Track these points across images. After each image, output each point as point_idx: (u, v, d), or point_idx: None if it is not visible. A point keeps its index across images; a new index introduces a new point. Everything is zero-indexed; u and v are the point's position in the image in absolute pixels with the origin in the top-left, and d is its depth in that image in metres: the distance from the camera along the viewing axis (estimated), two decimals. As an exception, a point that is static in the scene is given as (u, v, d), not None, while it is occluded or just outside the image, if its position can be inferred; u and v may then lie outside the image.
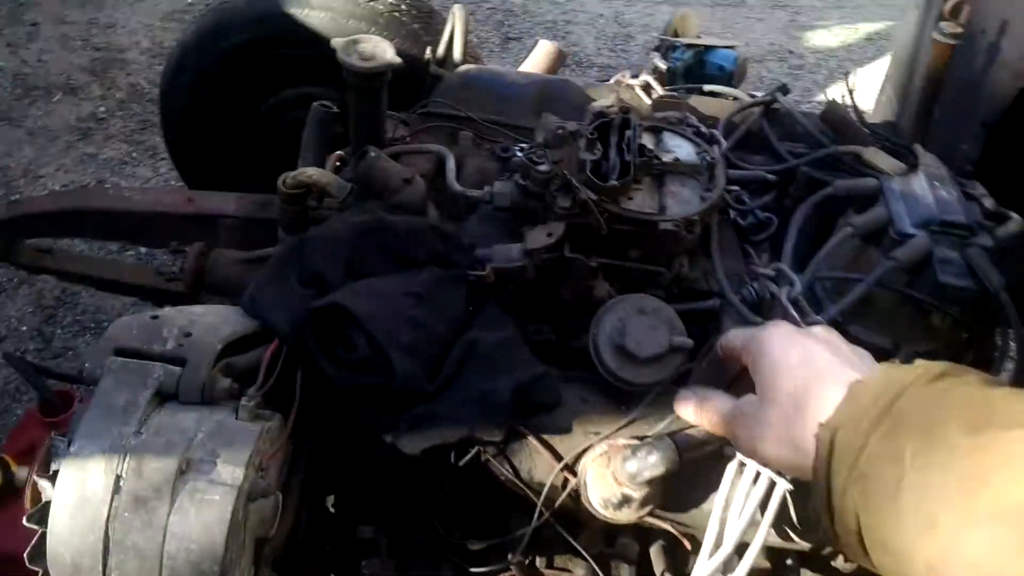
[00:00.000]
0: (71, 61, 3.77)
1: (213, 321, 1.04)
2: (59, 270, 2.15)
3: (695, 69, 3.74)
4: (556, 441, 1.07)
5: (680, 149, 1.29)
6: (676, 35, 3.84)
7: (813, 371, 0.76)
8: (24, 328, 2.68)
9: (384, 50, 1.35)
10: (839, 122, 1.43)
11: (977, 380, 0.68)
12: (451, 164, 1.38)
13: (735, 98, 1.69)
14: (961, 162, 1.47)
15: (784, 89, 1.56)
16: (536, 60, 1.99)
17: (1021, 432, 0.59)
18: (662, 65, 1.60)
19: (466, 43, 1.98)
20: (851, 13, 4.57)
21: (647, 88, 1.58)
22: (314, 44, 2.27)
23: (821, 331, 0.83)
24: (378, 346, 1.01)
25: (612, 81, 1.64)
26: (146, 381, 0.95)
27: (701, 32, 4.10)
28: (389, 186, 1.30)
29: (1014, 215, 1.25)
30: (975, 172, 1.46)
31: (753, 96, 1.64)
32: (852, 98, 1.61)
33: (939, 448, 0.62)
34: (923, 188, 1.22)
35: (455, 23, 1.94)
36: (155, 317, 1.03)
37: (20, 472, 1.78)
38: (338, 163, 1.58)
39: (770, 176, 1.33)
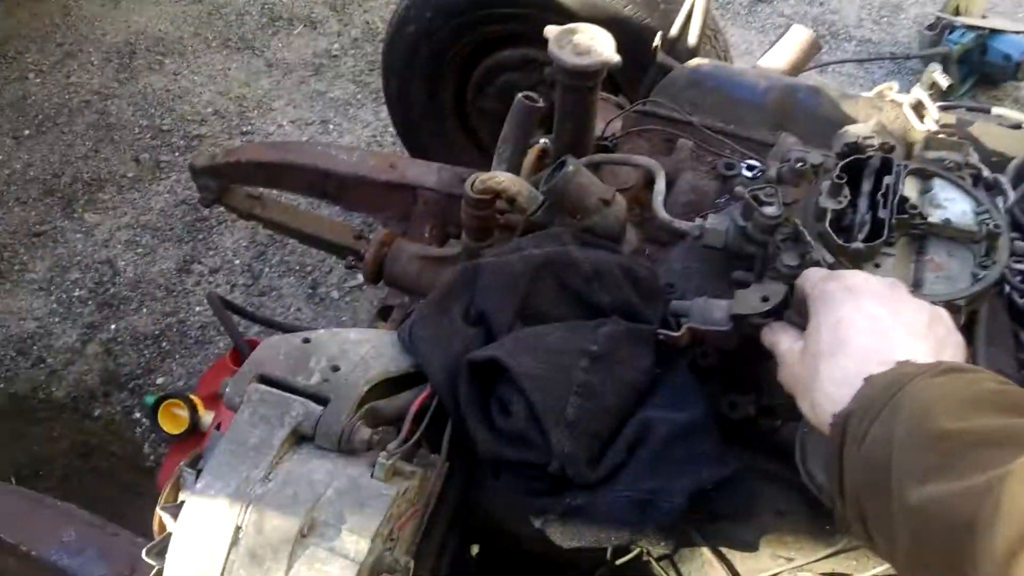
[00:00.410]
0: (315, -7, 3.85)
1: (365, 354, 0.94)
2: (265, 218, 2.20)
3: (974, 55, 3.23)
4: (737, 559, 0.89)
5: (953, 205, 1.02)
6: (957, 12, 3.31)
7: (841, 346, 0.77)
8: (237, 262, 2.79)
9: (602, 45, 1.17)
10: None
11: (983, 378, 0.69)
12: (660, 185, 1.18)
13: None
14: None
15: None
16: (785, 48, 1.72)
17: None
18: (942, 81, 1.29)
19: (705, 25, 1.75)
20: None
21: (918, 108, 1.29)
22: (540, 4, 2.13)
23: (883, 290, 0.80)
24: (536, 417, 0.86)
25: (874, 93, 1.35)
26: (283, 419, 0.87)
27: (988, 11, 3.53)
28: (584, 206, 1.13)
29: None
30: None
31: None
32: None
33: (922, 431, 0.64)
34: None
35: (695, 2, 1.71)
36: (307, 341, 0.95)
37: (206, 416, 1.83)
38: (540, 155, 1.44)
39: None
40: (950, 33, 3.21)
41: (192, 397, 1.84)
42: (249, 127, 3.26)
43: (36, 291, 2.69)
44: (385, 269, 1.39)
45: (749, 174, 1.31)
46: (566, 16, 2.12)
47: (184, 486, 0.86)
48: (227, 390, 0.89)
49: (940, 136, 1.10)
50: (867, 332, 0.77)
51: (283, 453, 0.86)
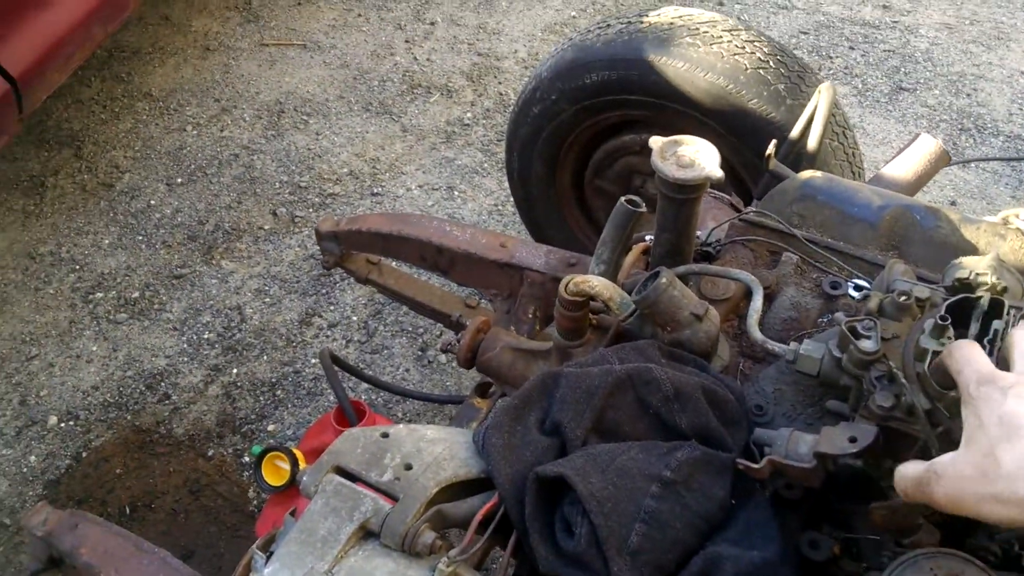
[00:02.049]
0: (454, 64, 4.01)
1: (439, 455, 0.96)
2: (380, 284, 2.30)
3: None
4: None
5: (1069, 356, 0.95)
6: (1121, 112, 3.11)
7: (1016, 432, 0.75)
8: (355, 318, 2.90)
9: (707, 159, 1.17)
10: None
11: None
12: (757, 303, 1.16)
13: None
14: None
15: None
16: (910, 158, 1.66)
17: None
18: (1077, 212, 1.21)
19: (829, 125, 1.71)
20: None
21: (1047, 239, 1.21)
22: (667, 93, 2.15)
23: None
24: (599, 541, 0.85)
25: (999, 218, 1.28)
26: (353, 513, 0.90)
27: None
28: (675, 319, 1.12)
29: None
30: None
31: None
32: None
33: None
34: None
35: (818, 105, 1.68)
36: (385, 435, 0.98)
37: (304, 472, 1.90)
38: (643, 253, 1.44)
39: None
40: (1110, 136, 3.02)
41: (295, 451, 1.91)
42: (380, 189, 3.41)
43: (170, 330, 2.89)
44: (478, 356, 1.41)
45: (856, 295, 1.27)
46: (690, 106, 2.13)
47: (254, 568, 0.89)
48: (304, 479, 0.93)
49: (1063, 279, 1.03)
50: None
51: (349, 548, 0.88)
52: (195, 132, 3.70)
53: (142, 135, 3.66)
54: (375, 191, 3.42)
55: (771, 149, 1.54)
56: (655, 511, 0.89)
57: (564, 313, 1.24)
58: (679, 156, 1.18)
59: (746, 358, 1.23)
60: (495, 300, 2.11)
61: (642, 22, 2.25)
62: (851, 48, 3.81)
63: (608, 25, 2.31)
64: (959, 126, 3.42)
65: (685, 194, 1.18)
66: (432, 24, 4.26)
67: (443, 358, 2.82)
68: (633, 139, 2.38)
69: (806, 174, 1.38)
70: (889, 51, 3.80)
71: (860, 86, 3.63)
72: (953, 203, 3.11)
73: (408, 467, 0.93)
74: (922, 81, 3.64)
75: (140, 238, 3.23)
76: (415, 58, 4.07)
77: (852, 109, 3.45)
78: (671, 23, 2.22)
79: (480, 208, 3.32)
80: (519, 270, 2.00)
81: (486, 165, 3.47)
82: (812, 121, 1.65)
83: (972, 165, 3.21)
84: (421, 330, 2.84)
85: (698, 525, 0.91)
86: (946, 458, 0.81)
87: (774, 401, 1.13)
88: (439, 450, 0.96)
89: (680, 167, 1.17)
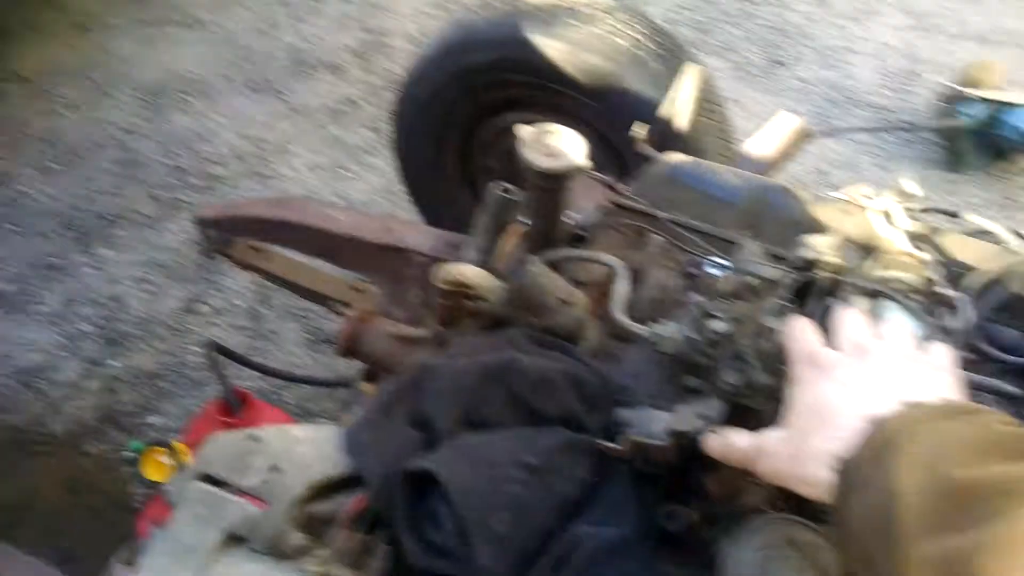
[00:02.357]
0: (342, 40, 3.93)
1: (308, 454, 0.96)
2: (265, 270, 2.25)
3: (988, 128, 3.22)
4: None
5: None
6: (973, 84, 3.31)
7: (826, 416, 0.79)
8: (240, 304, 2.84)
9: (574, 148, 1.20)
10: None
11: (991, 419, 0.70)
12: (620, 286, 1.20)
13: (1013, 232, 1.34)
14: None
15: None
16: (772, 136, 1.73)
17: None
18: (913, 191, 1.29)
19: (699, 105, 1.77)
20: None
21: (887, 215, 1.29)
22: (547, 73, 2.17)
23: (856, 361, 0.83)
24: (464, 531, 0.88)
25: (847, 194, 1.36)
26: (220, 520, 0.90)
27: (1007, 83, 3.52)
28: (544, 305, 1.16)
29: None
30: None
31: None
32: None
33: (936, 482, 0.65)
34: None
35: (684, 86, 1.74)
36: (253, 438, 0.97)
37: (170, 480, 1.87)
38: (518, 238, 1.47)
39: (1013, 391, 1.03)
40: (964, 106, 3.21)
41: (176, 444, 1.87)
42: (267, 170, 3.34)
43: (46, 324, 2.76)
44: (359, 347, 1.41)
45: (716, 273, 1.33)
46: (571, 86, 2.17)
47: (119, 583, 0.88)
48: (168, 487, 0.92)
49: (897, 254, 1.10)
50: (847, 397, 0.79)
51: (217, 555, 0.88)
52: (70, 115, 3.52)
53: (13, 119, 3.46)
54: (262, 173, 3.34)
55: (639, 132, 1.58)
56: (520, 498, 0.92)
57: (440, 302, 1.26)
58: (547, 145, 1.21)
59: (614, 339, 1.27)
60: (383, 284, 2.10)
61: (525, 3, 2.27)
62: (729, 23, 3.93)
63: (492, 6, 2.32)
64: (829, 98, 3.58)
65: (553, 183, 1.21)
66: (319, 0, 4.16)
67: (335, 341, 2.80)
68: (515, 118, 2.40)
69: (673, 157, 1.43)
70: (766, 26, 3.93)
71: (738, 61, 3.75)
72: (822, 173, 3.26)
73: (276, 469, 0.93)
74: (796, 56, 3.79)
75: (11, 228, 3.07)
76: (301, 35, 3.97)
77: (730, 83, 3.56)
78: (553, 4, 2.24)
79: (371, 188, 3.29)
80: (406, 253, 2.00)
81: (376, 144, 3.43)
82: (680, 102, 1.70)
83: (842, 136, 3.37)
84: (311, 313, 2.80)
85: (562, 508, 0.95)
86: (770, 435, 0.86)
87: (639, 381, 1.17)
88: (308, 450, 0.97)
89: (548, 156, 1.19)
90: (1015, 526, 0.60)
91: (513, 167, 2.63)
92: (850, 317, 0.91)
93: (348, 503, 0.93)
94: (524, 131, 1.22)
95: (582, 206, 1.66)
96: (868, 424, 0.73)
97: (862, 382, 0.80)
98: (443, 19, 4.04)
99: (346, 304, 2.18)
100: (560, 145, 1.20)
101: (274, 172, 3.33)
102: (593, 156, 2.31)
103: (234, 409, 1.99)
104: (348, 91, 3.68)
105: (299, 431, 1.00)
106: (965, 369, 1.15)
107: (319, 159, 3.39)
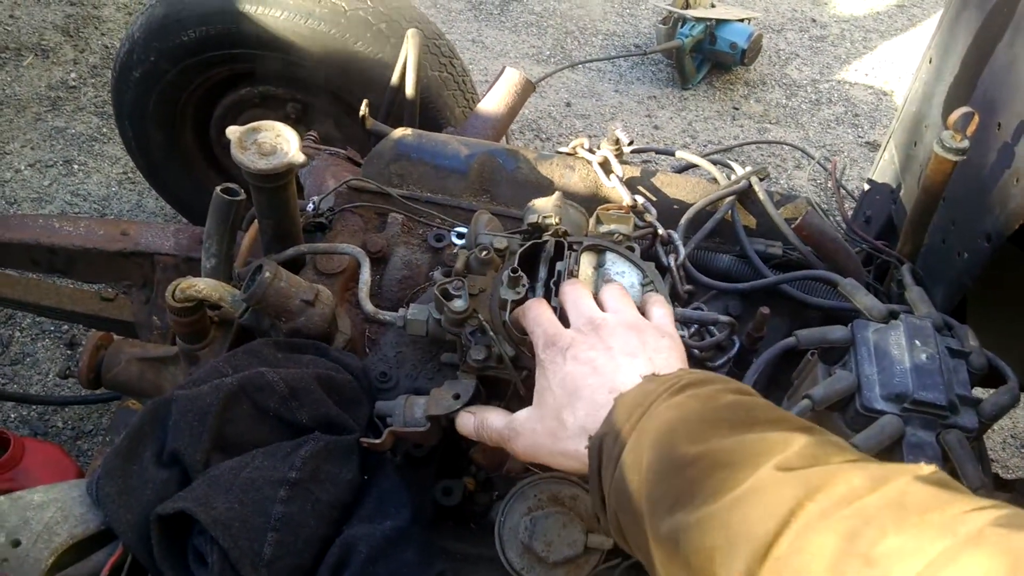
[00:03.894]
0: (44, 18, 3.55)
1: (49, 520, 0.90)
2: (-4, 296, 2.04)
3: (705, 45, 3.48)
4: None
5: (622, 279, 1.11)
6: (687, 4, 3.55)
7: (575, 394, 0.84)
8: (-19, 329, 2.57)
9: (287, 143, 1.16)
10: (816, 234, 1.23)
11: (719, 390, 0.75)
12: (364, 275, 1.20)
13: (717, 163, 1.47)
14: (959, 275, 1.27)
15: (762, 173, 1.35)
16: (500, 93, 1.78)
17: (734, 440, 0.66)
18: (624, 137, 1.38)
19: (419, 75, 1.77)
20: (884, -26, 4.20)
21: (605, 165, 1.38)
22: (270, 44, 2.08)
23: (591, 336, 0.88)
24: (232, 564, 0.87)
25: (570, 148, 1.43)
26: (-44, 614, 0.83)
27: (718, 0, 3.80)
28: (287, 309, 1.14)
29: (1009, 374, 1.07)
30: (972, 288, 1.27)
31: (729, 168, 1.43)
32: (838, 189, 1.41)
33: (666, 459, 0.69)
34: (900, 347, 1.04)
35: (408, 52, 1.73)
36: (-16, 514, 0.90)
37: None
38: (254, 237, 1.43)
39: (725, 319, 1.15)
40: (682, 26, 3.44)
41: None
42: (-19, 176, 2.98)
43: None
44: (103, 375, 1.33)
45: (459, 242, 1.37)
46: (297, 55, 2.09)
47: None
48: None
49: (609, 209, 1.18)
50: (591, 374, 0.85)
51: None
52: None
53: None
54: (-26, 181, 2.98)
55: (364, 109, 1.57)
56: (285, 515, 0.91)
57: (178, 320, 1.20)
58: (260, 144, 1.17)
59: (371, 323, 1.28)
60: (130, 291, 1.97)
61: (234, -32, 2.13)
62: (462, -38, 3.94)
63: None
64: (564, 30, 3.70)
65: (273, 182, 1.17)
66: (7, -26, 3.70)
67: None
68: (250, 92, 2.30)
69: (397, 133, 1.43)
70: (496, -35, 3.98)
71: (474, 0, 3.78)
72: (568, 104, 3.39)
73: (16, 543, 0.87)
74: (528, -10, 3.88)
75: None
76: (-7, 16, 3.53)
77: (469, 24, 3.59)
78: (263, -31, 2.13)
79: (107, 179, 3.04)
80: (148, 256, 1.88)
81: (105, 130, 3.16)
82: (407, 70, 1.70)
83: (581, 66, 3.51)
84: (66, 327, 2.58)
85: (332, 515, 0.96)
86: (522, 415, 0.91)
87: (397, 364, 1.19)
88: (49, 514, 0.91)
89: (262, 156, 1.16)
90: (723, 501, 0.62)
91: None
92: (574, 292, 0.96)
93: (104, 559, 0.89)
94: (233, 131, 1.17)
95: (327, 185, 1.64)
96: (612, 400, 0.79)
97: (602, 358, 0.86)
98: (158, -17, 3.75)
99: (99, 319, 2.04)
100: (272, 142, 1.16)
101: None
102: (336, 120, 2.30)
103: (-9, 452, 1.81)
104: (63, 75, 3.34)
105: (38, 495, 0.93)
106: (686, 304, 1.28)
107: (42, 155, 3.07)
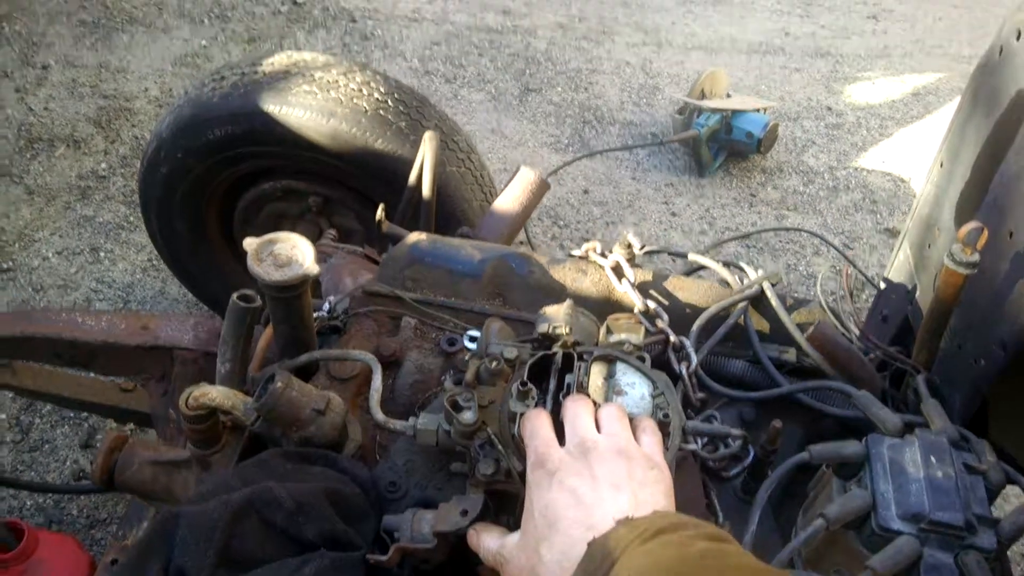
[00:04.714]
0: (78, 110, 3.68)
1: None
2: (18, 387, 2.07)
3: (721, 135, 3.53)
4: None
5: (633, 390, 1.10)
6: (703, 95, 3.62)
7: (554, 526, 0.83)
8: (2, 416, 2.59)
9: (302, 255, 1.19)
10: (829, 344, 1.23)
11: (692, 536, 0.74)
12: (376, 383, 1.21)
13: (729, 265, 1.48)
14: (976, 382, 1.26)
15: (774, 278, 1.35)
16: (515, 191, 1.81)
17: None
18: (635, 242, 1.40)
19: (435, 176, 1.81)
20: (897, 63, 4.27)
21: (617, 269, 1.39)
22: (293, 142, 2.14)
23: (578, 462, 0.88)
24: None
25: (581, 252, 1.45)
26: None
27: (731, 88, 3.88)
28: (298, 419, 1.14)
29: (1028, 491, 1.04)
30: (987, 402, 1.25)
31: (741, 271, 1.43)
32: (851, 298, 1.40)
33: None
34: (916, 464, 1.02)
35: (425, 154, 1.78)
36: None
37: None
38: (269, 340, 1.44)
39: (737, 433, 1.14)
40: (698, 116, 3.50)
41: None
42: (9, 263, 3.06)
43: None
44: (116, 477, 1.33)
45: (472, 346, 1.37)
46: (319, 152, 2.15)
47: None
48: None
49: (619, 319, 1.19)
50: (572, 506, 0.84)
51: None
52: None
53: None
54: (4, 266, 3.06)
55: (380, 214, 1.60)
56: (289, 637, 0.90)
57: (191, 427, 1.21)
58: (275, 255, 1.19)
59: (382, 430, 1.28)
60: (148, 384, 1.99)
61: (256, 72, 2.21)
62: (480, 55, 4.05)
63: (223, 77, 2.24)
64: (582, 119, 3.78)
65: (288, 292, 1.19)
66: (45, 68, 3.87)
67: (115, 440, 2.61)
68: (273, 186, 2.36)
69: (411, 237, 1.45)
70: (514, 55, 4.09)
71: (493, 91, 3.88)
72: (586, 191, 3.44)
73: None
74: (546, 80, 3.97)
75: None
76: (30, 108, 3.68)
77: (489, 114, 3.67)
78: (286, 71, 2.21)
79: (133, 267, 3.10)
80: (167, 350, 1.90)
81: (132, 218, 3.24)
82: (424, 171, 1.74)
83: (599, 155, 3.57)
84: (84, 414, 2.60)
85: (335, 636, 0.94)
86: (511, 541, 0.90)
87: (406, 473, 1.18)
88: (52, 634, 0.90)
89: (277, 267, 1.18)
90: None
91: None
92: (574, 409, 0.96)
93: None
94: (250, 243, 1.19)
95: (343, 284, 1.66)
96: (586, 543, 0.78)
97: (585, 487, 0.85)
98: (187, 76, 3.89)
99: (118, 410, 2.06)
100: (288, 253, 1.18)
101: (19, 264, 3.06)
102: (356, 213, 2.35)
103: (9, 546, 1.81)
104: (93, 165, 3.45)
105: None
106: (699, 411, 1.27)
107: (70, 243, 3.15)
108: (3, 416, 2.61)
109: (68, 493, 2.45)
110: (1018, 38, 1.33)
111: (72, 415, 2.63)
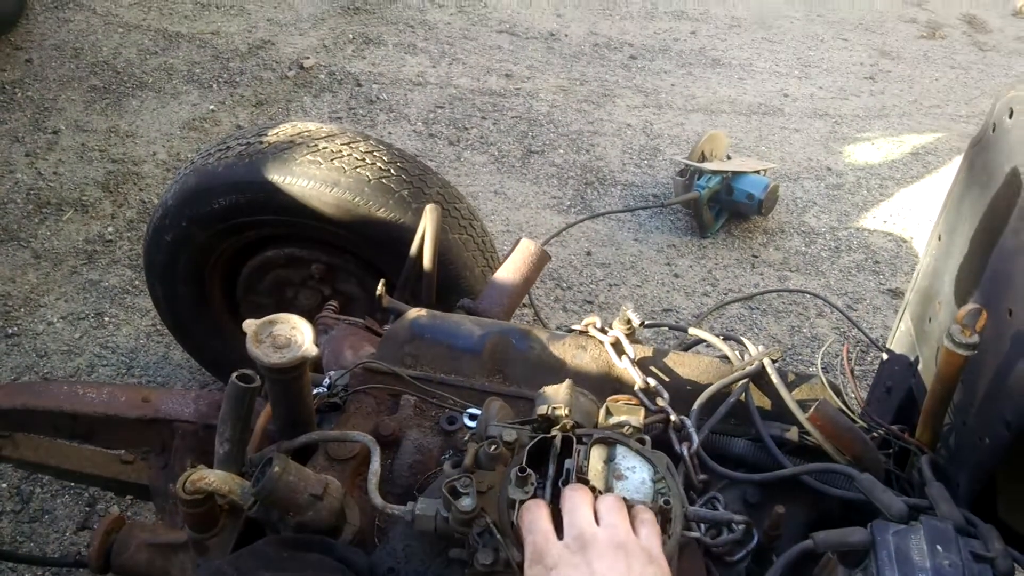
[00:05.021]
0: (86, 174, 3.73)
1: None
2: (17, 459, 2.05)
3: (722, 196, 3.55)
4: None
5: (633, 475, 1.09)
6: (703, 157, 3.65)
7: None
8: (3, 486, 2.57)
9: (301, 336, 1.19)
10: (830, 424, 1.22)
11: None
12: (374, 466, 1.20)
13: (729, 339, 1.48)
14: (982, 459, 1.24)
15: (774, 354, 1.35)
16: (515, 263, 1.82)
17: None
18: (635, 319, 1.40)
19: (437, 248, 1.83)
20: (896, 123, 4.32)
21: (617, 346, 1.39)
22: (296, 211, 2.16)
23: (575, 556, 0.87)
24: None
25: (581, 327, 1.45)
26: None
27: (731, 149, 3.92)
28: (296, 503, 1.13)
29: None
30: (994, 480, 1.24)
31: (741, 345, 1.43)
32: (852, 376, 1.40)
33: None
34: (922, 552, 1.00)
35: (426, 226, 1.79)
36: None
37: None
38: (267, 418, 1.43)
39: (740, 519, 1.12)
40: (699, 178, 3.53)
41: None
42: (14, 328, 3.07)
43: None
44: (113, 560, 1.32)
45: (472, 424, 1.36)
46: (323, 221, 2.17)
47: None
48: None
49: (619, 400, 1.18)
50: None
51: None
52: None
53: None
54: (9, 331, 3.06)
55: (381, 289, 1.61)
56: None
57: (188, 511, 1.20)
58: (275, 336, 1.19)
59: (381, 512, 1.26)
60: (148, 457, 1.98)
61: (261, 142, 2.24)
62: (483, 118, 4.11)
63: (228, 147, 2.28)
64: (584, 181, 3.81)
65: (287, 374, 1.19)
66: (55, 133, 3.93)
67: (116, 509, 2.59)
68: (276, 253, 2.38)
69: (411, 314, 1.46)
70: (516, 117, 4.14)
71: (496, 153, 3.92)
72: (589, 253, 3.45)
73: None
74: (548, 143, 4.02)
75: None
76: (40, 172, 3.73)
77: (492, 176, 3.71)
78: (290, 141, 2.24)
79: (137, 332, 3.11)
80: (168, 423, 1.90)
81: (137, 282, 3.26)
82: (425, 243, 1.75)
83: (601, 216, 3.59)
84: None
85: None
86: None
87: (405, 559, 1.17)
88: None
89: (276, 349, 1.18)
90: None
91: (282, 299, 2.57)
92: (572, 500, 0.96)
93: None
94: (249, 325, 1.20)
95: (344, 357, 1.66)
96: None
97: None
98: (195, 140, 3.95)
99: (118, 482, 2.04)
100: (287, 335, 1.19)
101: (24, 329, 3.06)
102: (359, 280, 2.36)
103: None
104: (100, 229, 3.48)
105: None
106: (701, 493, 1.25)
107: (75, 307, 3.16)
108: (3, 485, 2.59)
109: (66, 567, 2.41)
110: (1010, 116, 1.35)
111: (73, 485, 2.61)
